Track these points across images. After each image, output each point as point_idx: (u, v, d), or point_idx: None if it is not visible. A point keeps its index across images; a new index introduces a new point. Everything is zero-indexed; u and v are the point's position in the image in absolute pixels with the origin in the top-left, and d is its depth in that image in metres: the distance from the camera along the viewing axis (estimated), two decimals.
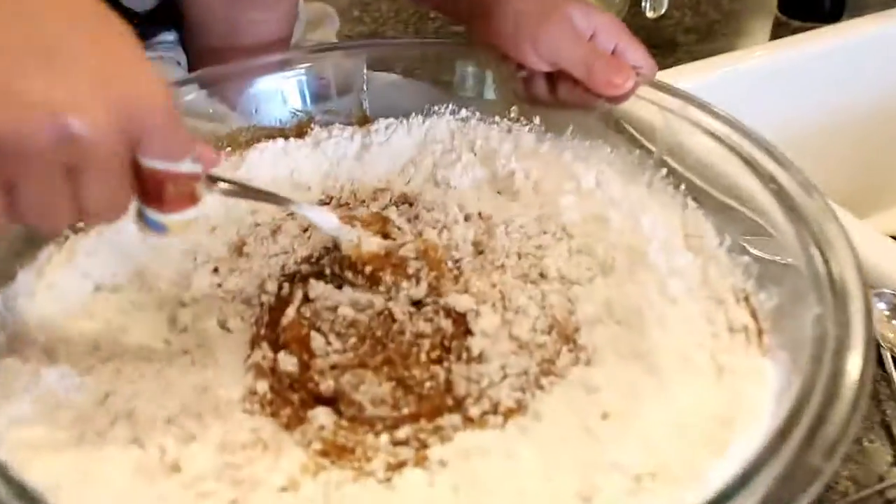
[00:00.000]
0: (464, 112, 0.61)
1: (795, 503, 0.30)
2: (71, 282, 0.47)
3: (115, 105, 0.32)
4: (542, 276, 0.47)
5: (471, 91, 0.63)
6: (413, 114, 0.60)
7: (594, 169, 0.55)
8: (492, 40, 0.58)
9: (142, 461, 0.36)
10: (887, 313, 0.58)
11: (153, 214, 0.36)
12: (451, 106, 0.61)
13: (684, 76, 0.90)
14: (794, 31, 1.03)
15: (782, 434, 0.32)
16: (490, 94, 0.63)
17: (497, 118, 0.60)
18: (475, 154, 0.57)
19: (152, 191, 0.35)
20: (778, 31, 1.04)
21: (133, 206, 0.36)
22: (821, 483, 0.31)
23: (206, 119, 0.58)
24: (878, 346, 0.57)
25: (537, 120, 0.60)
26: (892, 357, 0.56)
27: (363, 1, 1.11)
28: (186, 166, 0.36)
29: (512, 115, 0.61)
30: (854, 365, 0.34)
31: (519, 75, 0.58)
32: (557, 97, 0.58)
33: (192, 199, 0.37)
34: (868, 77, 1.03)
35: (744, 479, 0.30)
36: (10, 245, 0.47)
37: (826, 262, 0.40)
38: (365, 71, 0.61)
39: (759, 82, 0.96)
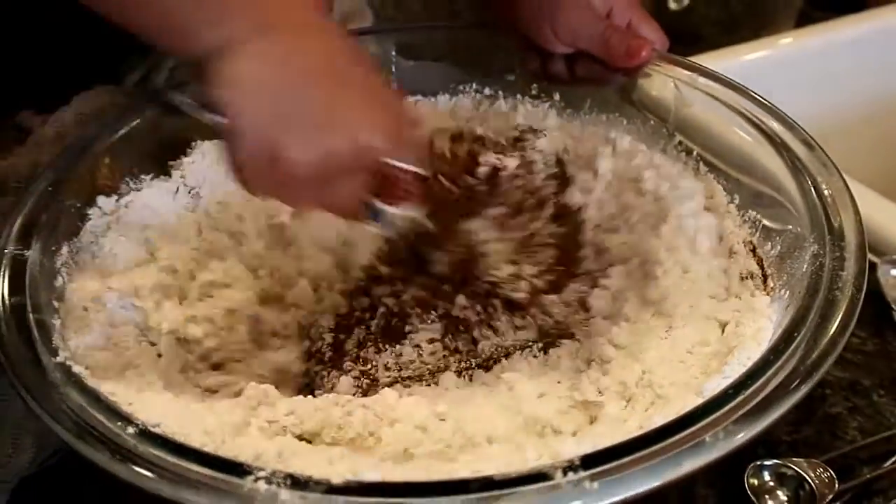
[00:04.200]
0: (487, 90, 0.64)
1: (784, 403, 0.32)
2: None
3: (390, 123, 0.43)
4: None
5: (493, 70, 0.65)
6: (440, 92, 0.64)
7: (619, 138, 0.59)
8: (513, 24, 0.61)
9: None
10: None
11: (385, 208, 0.45)
12: (474, 85, 0.64)
13: (707, 64, 0.92)
14: (819, 20, 1.01)
15: (774, 351, 0.34)
16: (512, 73, 0.65)
17: (519, 96, 0.63)
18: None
19: (389, 188, 0.44)
20: (803, 21, 1.05)
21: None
22: (807, 387, 0.33)
23: None
24: (891, 308, 0.59)
25: (557, 96, 0.63)
26: None
27: None
28: (416, 170, 0.44)
29: (533, 92, 0.64)
30: (846, 291, 0.37)
31: (539, 55, 0.61)
32: (575, 75, 0.61)
33: (416, 198, 0.45)
34: (891, 66, 1.02)
35: (734, 389, 0.33)
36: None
37: (825, 208, 0.43)
38: (394, 54, 0.65)
39: (784, 70, 0.97)
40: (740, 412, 0.32)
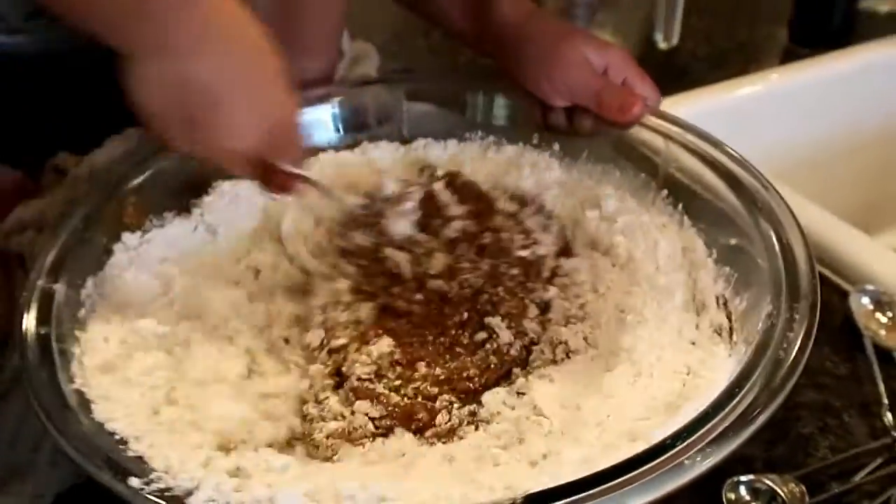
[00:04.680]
0: (491, 138, 0.69)
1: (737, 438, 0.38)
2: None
3: (265, 132, 0.50)
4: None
5: (498, 120, 0.70)
6: (447, 139, 0.68)
7: (609, 193, 0.63)
8: (516, 76, 0.66)
9: None
10: (871, 307, 0.65)
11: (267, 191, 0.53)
12: (479, 133, 0.69)
13: (696, 100, 0.96)
14: (803, 57, 1.06)
15: (715, 406, 0.40)
16: (514, 122, 0.70)
17: (521, 144, 0.68)
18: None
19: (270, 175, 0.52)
20: (788, 60, 1.08)
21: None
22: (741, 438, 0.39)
23: None
24: (861, 334, 0.64)
25: (556, 146, 0.67)
26: (873, 344, 0.63)
27: (400, 37, 1.19)
28: (294, 168, 0.52)
29: (534, 141, 0.68)
30: (790, 351, 0.43)
31: (539, 107, 0.66)
32: (573, 126, 0.66)
33: (291, 191, 0.53)
34: (875, 100, 1.08)
35: (685, 431, 0.38)
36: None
37: (788, 269, 0.48)
38: (404, 101, 0.70)
39: (770, 105, 1.02)
40: (680, 458, 0.37)
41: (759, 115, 1.01)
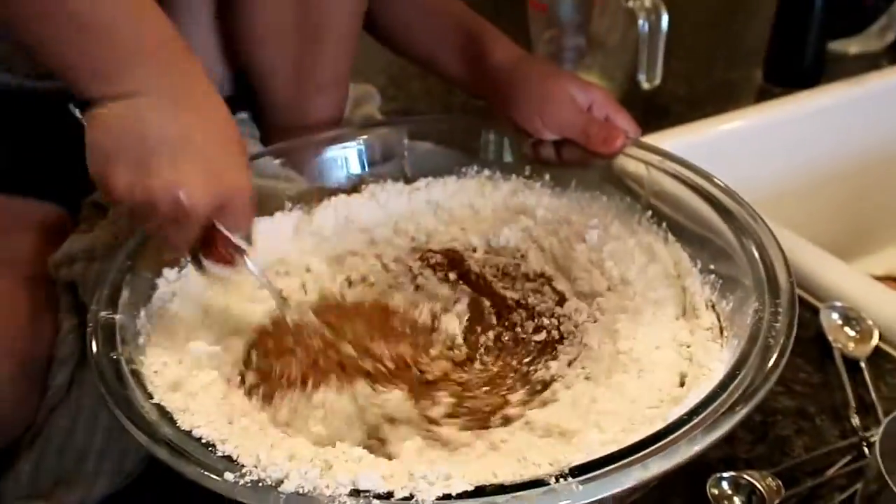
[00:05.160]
0: (486, 172, 0.74)
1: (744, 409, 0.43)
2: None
3: (217, 192, 0.49)
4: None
5: (492, 155, 0.75)
6: (446, 175, 0.73)
7: (597, 216, 0.68)
8: (508, 114, 0.71)
9: None
10: (839, 322, 0.71)
11: (205, 262, 0.52)
12: (476, 167, 0.74)
13: (678, 137, 0.99)
14: (777, 96, 1.12)
15: (721, 386, 0.44)
16: (508, 157, 0.75)
17: (514, 176, 0.73)
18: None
19: (212, 245, 0.51)
20: (763, 98, 1.14)
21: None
22: (748, 409, 0.43)
23: (281, 181, 0.71)
24: (831, 347, 0.69)
25: (547, 177, 0.72)
26: (842, 355, 0.68)
27: (397, 81, 1.25)
28: (239, 240, 0.51)
29: (526, 173, 0.73)
30: (778, 338, 0.48)
31: (530, 142, 0.71)
32: (562, 158, 0.71)
33: (231, 263, 0.52)
34: (845, 136, 1.12)
35: (700, 407, 0.43)
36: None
37: (767, 271, 0.53)
38: (406, 141, 0.75)
39: (747, 141, 1.05)
40: (694, 431, 0.41)
41: (736, 150, 1.04)
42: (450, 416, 0.50)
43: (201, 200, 0.48)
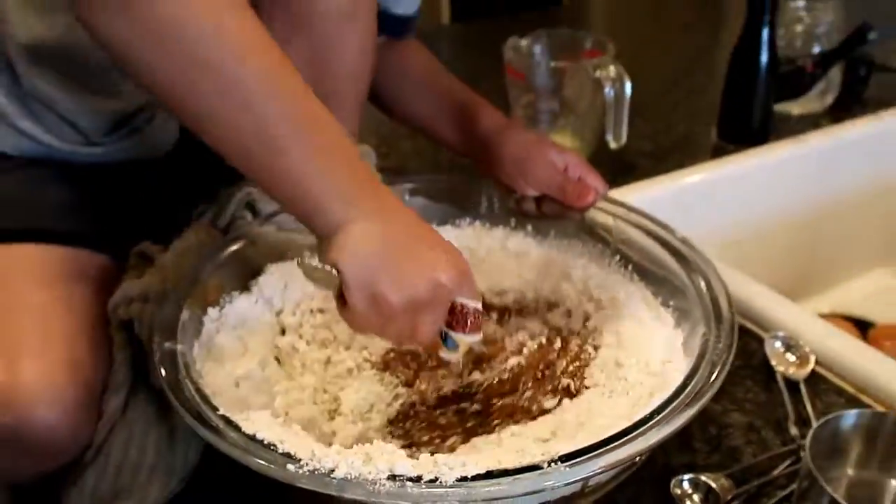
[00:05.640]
0: (477, 223, 0.85)
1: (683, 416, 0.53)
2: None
3: (458, 269, 0.57)
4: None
5: (483, 209, 0.86)
6: (442, 226, 0.84)
7: (573, 261, 0.80)
8: (495, 174, 0.83)
9: None
10: (781, 349, 0.82)
11: (455, 335, 0.58)
12: (468, 219, 0.85)
13: (644, 190, 1.08)
14: (730, 153, 1.19)
15: (677, 393, 0.56)
16: (496, 210, 0.86)
17: (502, 226, 0.85)
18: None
19: (459, 319, 0.58)
20: (717, 154, 1.22)
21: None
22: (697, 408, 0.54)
23: (300, 233, 0.81)
24: (775, 370, 0.80)
25: (529, 227, 0.84)
26: (783, 378, 0.79)
27: (388, 141, 1.33)
28: (476, 304, 0.58)
29: (512, 224, 0.85)
30: (721, 356, 0.59)
31: (514, 197, 0.82)
32: (543, 211, 0.82)
33: (478, 327, 0.59)
34: (790, 188, 1.21)
35: (654, 413, 0.54)
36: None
37: (713, 304, 0.65)
38: (408, 197, 0.85)
39: (704, 193, 1.14)
40: (652, 425, 0.52)
41: (695, 201, 1.13)
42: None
43: (451, 278, 0.56)
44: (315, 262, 0.57)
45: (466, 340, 0.59)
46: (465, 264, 0.58)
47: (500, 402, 0.64)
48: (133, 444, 0.68)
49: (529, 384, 0.65)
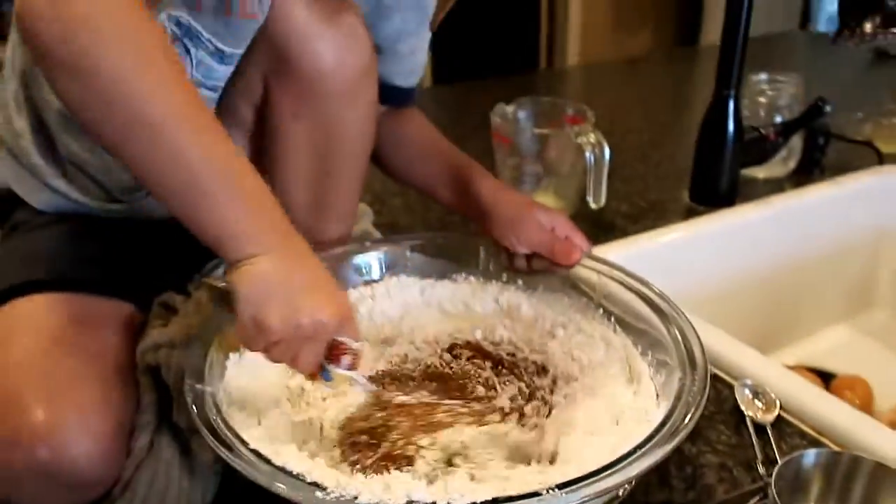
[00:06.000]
0: (471, 278, 0.92)
1: (662, 450, 0.60)
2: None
3: (340, 312, 0.64)
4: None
5: (476, 265, 0.93)
6: (440, 280, 0.91)
7: (560, 315, 0.87)
8: (488, 233, 0.91)
9: None
10: (750, 396, 0.89)
11: (331, 368, 0.66)
12: (464, 274, 0.92)
13: (622, 248, 1.15)
14: (701, 214, 1.27)
15: (656, 432, 0.63)
16: (488, 266, 0.93)
17: (494, 281, 0.92)
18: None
19: (335, 354, 0.66)
20: (689, 216, 1.30)
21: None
22: (674, 444, 0.61)
23: None
24: (744, 415, 0.87)
25: (520, 282, 0.91)
26: (752, 422, 0.86)
27: (381, 197, 1.40)
28: (357, 344, 0.66)
29: (504, 279, 0.92)
30: (696, 398, 0.66)
31: (506, 255, 0.90)
32: (532, 268, 0.89)
33: (355, 365, 0.67)
34: (757, 248, 1.28)
35: (636, 448, 0.61)
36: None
37: (688, 353, 0.73)
38: (409, 253, 0.93)
39: (677, 251, 1.21)
40: (634, 460, 0.59)
41: (670, 258, 1.20)
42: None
43: (333, 319, 0.64)
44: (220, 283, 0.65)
45: (341, 374, 0.67)
46: (350, 311, 0.66)
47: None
48: (158, 481, 0.74)
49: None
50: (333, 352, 0.66)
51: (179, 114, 0.61)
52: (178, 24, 0.74)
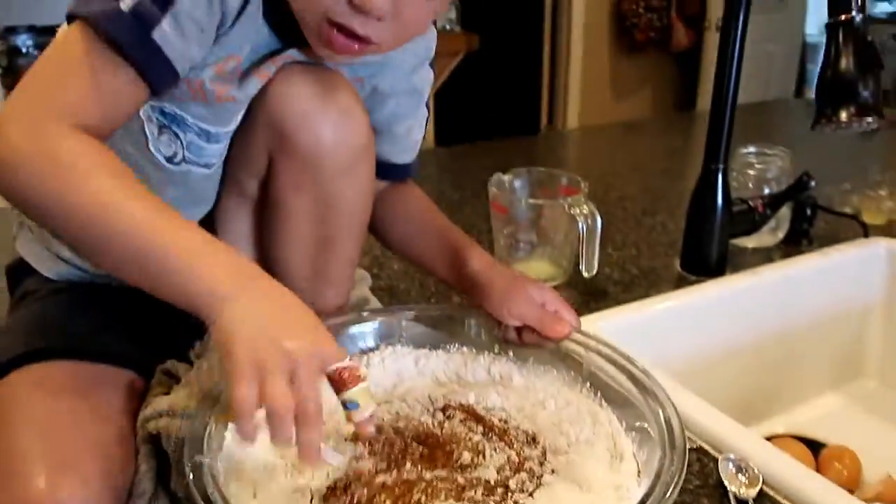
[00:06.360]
0: (464, 349, 0.95)
1: None
2: None
3: (313, 343, 0.66)
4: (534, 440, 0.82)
5: (469, 336, 0.96)
6: (434, 350, 0.94)
7: (549, 387, 0.90)
8: (481, 305, 0.94)
9: None
10: (733, 470, 0.91)
11: (346, 395, 0.67)
12: (457, 345, 0.95)
13: (614, 316, 1.16)
14: (692, 283, 1.29)
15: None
16: (480, 338, 0.96)
17: (486, 352, 0.95)
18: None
19: (339, 380, 0.67)
20: (680, 283, 1.31)
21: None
22: None
23: None
24: (727, 489, 0.89)
25: (511, 353, 0.94)
26: (735, 497, 0.88)
27: (379, 261, 1.42)
28: (349, 362, 0.67)
29: (496, 350, 0.95)
30: (674, 477, 0.68)
31: (498, 327, 0.93)
32: (523, 340, 0.92)
33: (357, 380, 0.68)
34: (747, 317, 1.30)
35: None
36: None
37: (668, 431, 0.75)
38: (404, 322, 0.96)
39: (667, 320, 1.22)
40: None
41: (661, 327, 1.21)
42: None
43: (304, 349, 0.64)
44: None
45: (357, 391, 0.67)
46: (326, 333, 0.67)
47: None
48: None
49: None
50: (336, 381, 0.67)
51: (111, 201, 0.66)
52: (163, 112, 0.79)
